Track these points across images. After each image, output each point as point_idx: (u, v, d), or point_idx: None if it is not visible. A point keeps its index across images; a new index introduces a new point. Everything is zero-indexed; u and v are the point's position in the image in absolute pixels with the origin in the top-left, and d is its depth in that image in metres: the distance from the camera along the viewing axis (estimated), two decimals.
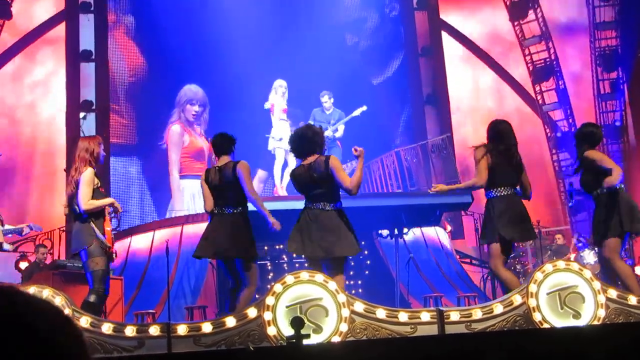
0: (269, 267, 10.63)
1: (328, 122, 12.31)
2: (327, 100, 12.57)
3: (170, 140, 17.45)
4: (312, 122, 12.37)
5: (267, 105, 12.88)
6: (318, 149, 6.29)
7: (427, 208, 9.18)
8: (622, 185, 6.69)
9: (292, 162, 12.58)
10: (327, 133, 11.98)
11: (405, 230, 9.69)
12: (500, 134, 6.48)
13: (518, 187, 6.54)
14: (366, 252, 10.97)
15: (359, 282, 10.71)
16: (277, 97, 12.56)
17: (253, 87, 14.36)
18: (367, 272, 10.93)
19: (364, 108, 12.81)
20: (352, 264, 10.69)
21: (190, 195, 17.06)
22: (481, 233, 6.63)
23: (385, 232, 9.90)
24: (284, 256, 10.64)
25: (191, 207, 16.36)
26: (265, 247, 10.50)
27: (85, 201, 6.24)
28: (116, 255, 6.52)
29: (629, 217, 6.50)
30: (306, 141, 6.30)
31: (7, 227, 8.58)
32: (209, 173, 6.61)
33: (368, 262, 11.01)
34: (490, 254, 6.42)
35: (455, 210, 9.13)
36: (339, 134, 12.34)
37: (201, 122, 17.50)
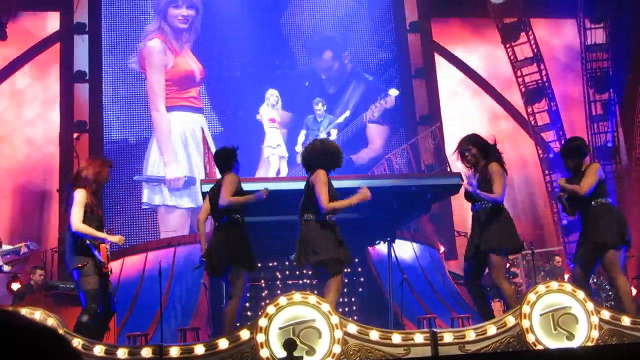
0: (263, 286, 10.60)
1: (318, 129, 12.42)
2: (320, 107, 12.68)
3: (148, 60, 15.63)
4: (305, 130, 12.51)
5: (258, 117, 12.91)
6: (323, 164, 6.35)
7: (417, 191, 9.07)
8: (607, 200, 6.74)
9: (285, 169, 12.60)
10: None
11: (397, 232, 9.74)
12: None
13: None
14: (360, 270, 10.96)
15: (353, 299, 10.68)
16: (266, 107, 12.57)
17: (251, 96, 14.41)
18: (360, 289, 10.91)
19: (347, 114, 12.98)
20: (346, 280, 10.67)
21: (179, 135, 15.33)
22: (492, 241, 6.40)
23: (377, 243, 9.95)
24: (278, 273, 10.62)
25: (181, 154, 15.07)
26: (259, 264, 10.45)
27: (77, 222, 6.25)
28: (111, 272, 6.49)
29: (620, 230, 6.56)
30: (313, 156, 6.40)
31: (4, 247, 8.53)
32: (212, 187, 6.94)
33: (362, 279, 10.99)
34: (495, 265, 6.36)
35: (445, 195, 9.08)
36: (332, 138, 12.39)
37: (192, 32, 16.02)
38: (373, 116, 15.03)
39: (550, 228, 17.28)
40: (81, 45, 16.37)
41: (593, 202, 6.62)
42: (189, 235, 12.52)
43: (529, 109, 18.02)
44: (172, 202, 15.54)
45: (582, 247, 6.74)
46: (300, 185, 6.64)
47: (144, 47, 15.82)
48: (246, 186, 6.94)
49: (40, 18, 17.02)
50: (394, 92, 14.45)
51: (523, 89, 18.02)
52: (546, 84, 17.85)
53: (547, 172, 17.76)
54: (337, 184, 6.52)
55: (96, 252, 6.24)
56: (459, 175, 8.43)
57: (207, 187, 7.92)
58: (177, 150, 15.52)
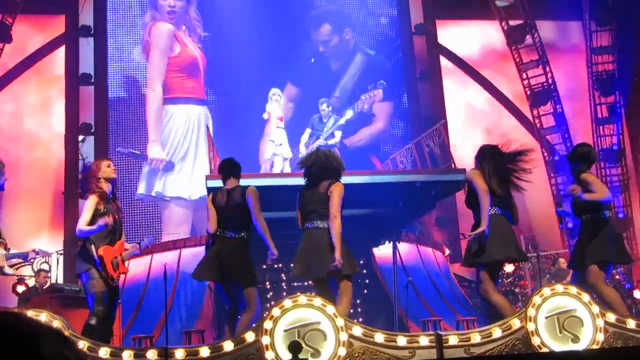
0: (268, 288, 10.60)
1: (322, 129, 12.38)
2: (324, 108, 12.62)
3: (155, 41, 15.86)
4: (309, 129, 12.46)
5: (265, 116, 12.88)
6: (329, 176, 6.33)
7: (422, 187, 8.99)
8: (610, 215, 6.73)
9: (288, 170, 12.58)
10: (320, 141, 12.04)
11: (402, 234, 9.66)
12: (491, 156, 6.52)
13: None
14: (365, 271, 10.94)
15: (358, 301, 10.66)
16: (272, 106, 12.55)
17: (255, 96, 14.44)
18: (365, 291, 10.90)
19: (349, 115, 12.95)
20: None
21: (182, 127, 15.40)
22: (473, 253, 6.28)
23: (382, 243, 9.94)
24: (283, 275, 10.62)
25: (177, 142, 15.19)
26: (264, 267, 10.46)
27: (80, 226, 6.30)
28: (116, 282, 6.41)
29: (615, 248, 6.54)
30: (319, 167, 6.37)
31: (12, 251, 8.54)
32: (217, 195, 6.67)
33: (367, 281, 10.98)
34: (480, 278, 6.22)
35: (450, 191, 8.96)
36: (335, 140, 12.34)
37: (192, 24, 16.14)
38: (364, 108, 15.07)
39: (556, 231, 17.24)
40: (86, 47, 16.42)
41: (594, 214, 6.62)
42: (193, 238, 12.52)
43: (535, 112, 18.01)
44: (172, 194, 15.56)
45: (581, 257, 6.69)
46: None
47: (152, 27, 15.92)
48: (250, 182, 6.91)
49: (46, 21, 17.06)
50: (379, 93, 14.61)
51: (528, 92, 18.01)
52: (552, 87, 17.83)
53: (552, 174, 17.74)
54: (343, 179, 6.49)
55: (97, 258, 6.22)
56: (463, 171, 8.38)
57: (212, 183, 7.91)
58: (180, 141, 15.66)
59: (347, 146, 12.76)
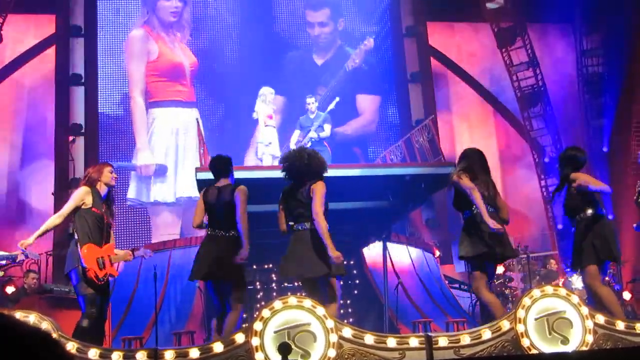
0: (258, 289, 10.59)
1: (312, 124, 12.32)
2: (311, 103, 12.53)
3: (129, 50, 15.81)
4: (298, 130, 12.42)
5: (255, 115, 12.87)
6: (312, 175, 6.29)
7: (411, 180, 8.96)
8: (605, 212, 6.74)
9: None
10: (312, 134, 12.00)
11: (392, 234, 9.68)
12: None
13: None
14: (355, 272, 10.94)
15: (348, 301, 10.67)
16: (262, 104, 12.51)
17: (245, 96, 14.45)
18: (355, 292, 10.90)
19: (337, 99, 12.93)
20: (341, 283, 10.63)
21: (170, 131, 15.25)
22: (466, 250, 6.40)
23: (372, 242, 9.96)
24: (273, 276, 10.61)
25: (172, 148, 15.07)
26: (254, 267, 10.44)
27: (60, 212, 6.36)
28: (102, 280, 6.31)
29: (607, 245, 6.54)
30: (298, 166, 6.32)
31: (0, 253, 8.49)
32: (208, 191, 6.64)
33: (357, 281, 10.99)
34: (473, 275, 6.36)
35: (440, 185, 8.94)
36: (326, 134, 12.27)
37: (183, 25, 16.05)
38: (355, 63, 15.01)
39: (546, 232, 17.30)
40: (77, 48, 16.36)
41: (589, 212, 6.64)
42: (183, 239, 12.51)
43: (525, 114, 18.06)
44: (159, 198, 15.50)
45: (580, 256, 6.71)
46: None
47: (127, 38, 15.97)
48: (241, 174, 6.89)
49: (36, 21, 16.99)
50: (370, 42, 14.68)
51: (519, 94, 18.06)
52: (542, 89, 17.89)
53: (542, 176, 17.79)
54: (332, 172, 6.48)
55: (81, 256, 6.16)
56: (453, 164, 8.38)
57: (202, 175, 7.86)
58: (166, 144, 15.60)
59: (334, 132, 12.73)
